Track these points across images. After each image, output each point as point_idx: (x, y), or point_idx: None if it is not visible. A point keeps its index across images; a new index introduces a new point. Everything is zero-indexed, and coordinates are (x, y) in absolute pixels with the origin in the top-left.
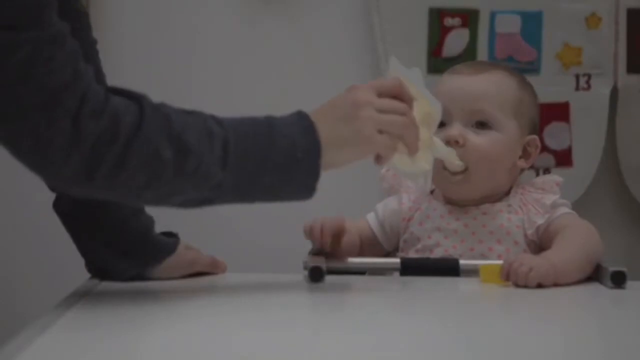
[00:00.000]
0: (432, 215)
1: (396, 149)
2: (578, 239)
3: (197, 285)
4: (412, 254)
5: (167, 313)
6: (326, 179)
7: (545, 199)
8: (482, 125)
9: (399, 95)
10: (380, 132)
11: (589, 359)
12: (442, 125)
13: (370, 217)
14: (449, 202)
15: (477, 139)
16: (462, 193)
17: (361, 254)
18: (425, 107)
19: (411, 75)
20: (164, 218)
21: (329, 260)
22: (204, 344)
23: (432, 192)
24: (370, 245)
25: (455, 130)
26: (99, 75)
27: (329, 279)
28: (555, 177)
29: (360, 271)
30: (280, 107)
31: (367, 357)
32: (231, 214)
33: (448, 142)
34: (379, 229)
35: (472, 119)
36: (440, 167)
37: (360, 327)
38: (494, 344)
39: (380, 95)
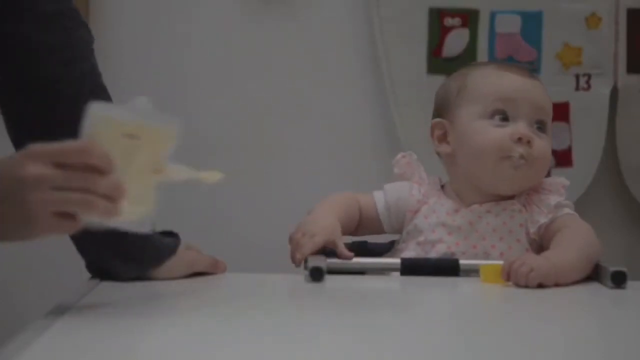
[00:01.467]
0: (439, 210)
1: (79, 227)
2: (578, 240)
3: (197, 286)
4: (412, 247)
5: (167, 313)
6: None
7: (550, 199)
8: (540, 127)
9: (86, 161)
10: (59, 213)
11: (589, 359)
12: (505, 119)
13: (378, 197)
14: (459, 198)
15: (540, 142)
16: (520, 182)
17: (358, 229)
18: (156, 136)
19: (123, 112)
20: (163, 217)
21: (329, 260)
22: (203, 344)
23: (442, 186)
24: (370, 223)
25: (525, 129)
26: (95, 75)
27: (329, 278)
28: (562, 180)
29: (360, 271)
30: (279, 106)
31: (366, 357)
32: (231, 214)
33: (520, 140)
34: (384, 211)
35: (534, 120)
36: (499, 156)
37: (360, 327)
38: (494, 343)
39: (60, 163)
